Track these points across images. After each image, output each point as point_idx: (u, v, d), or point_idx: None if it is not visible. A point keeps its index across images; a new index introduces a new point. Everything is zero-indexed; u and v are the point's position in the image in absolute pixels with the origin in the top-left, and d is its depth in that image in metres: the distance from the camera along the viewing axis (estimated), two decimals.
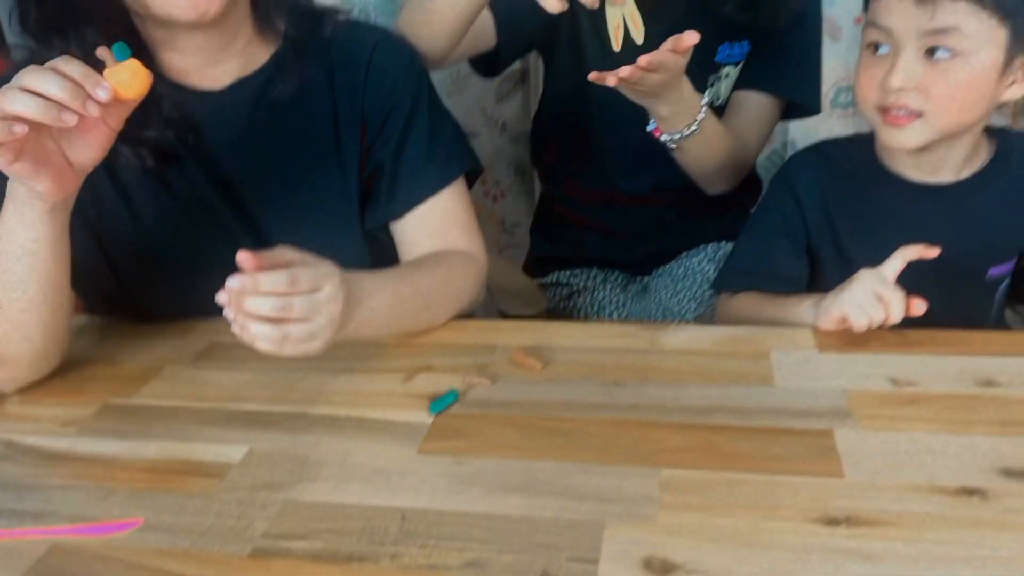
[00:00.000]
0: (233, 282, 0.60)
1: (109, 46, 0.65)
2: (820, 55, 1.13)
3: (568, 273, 1.25)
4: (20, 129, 0.60)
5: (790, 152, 1.57)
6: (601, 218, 1.23)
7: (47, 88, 0.60)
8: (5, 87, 0.61)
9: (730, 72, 1.10)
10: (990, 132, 0.90)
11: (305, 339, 0.64)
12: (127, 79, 0.63)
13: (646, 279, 1.24)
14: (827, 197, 0.93)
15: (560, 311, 1.24)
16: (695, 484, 0.60)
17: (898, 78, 0.80)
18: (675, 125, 0.99)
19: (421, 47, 0.93)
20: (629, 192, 1.19)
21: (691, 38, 0.86)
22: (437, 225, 0.88)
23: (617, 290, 1.22)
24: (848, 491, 0.58)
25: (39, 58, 0.65)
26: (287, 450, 0.67)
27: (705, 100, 0.99)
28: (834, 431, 0.64)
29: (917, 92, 0.80)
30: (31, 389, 0.79)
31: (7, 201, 0.70)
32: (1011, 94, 0.85)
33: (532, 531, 0.56)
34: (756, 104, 1.10)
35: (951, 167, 0.87)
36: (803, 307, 0.84)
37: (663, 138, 1.02)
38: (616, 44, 0.88)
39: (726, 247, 1.23)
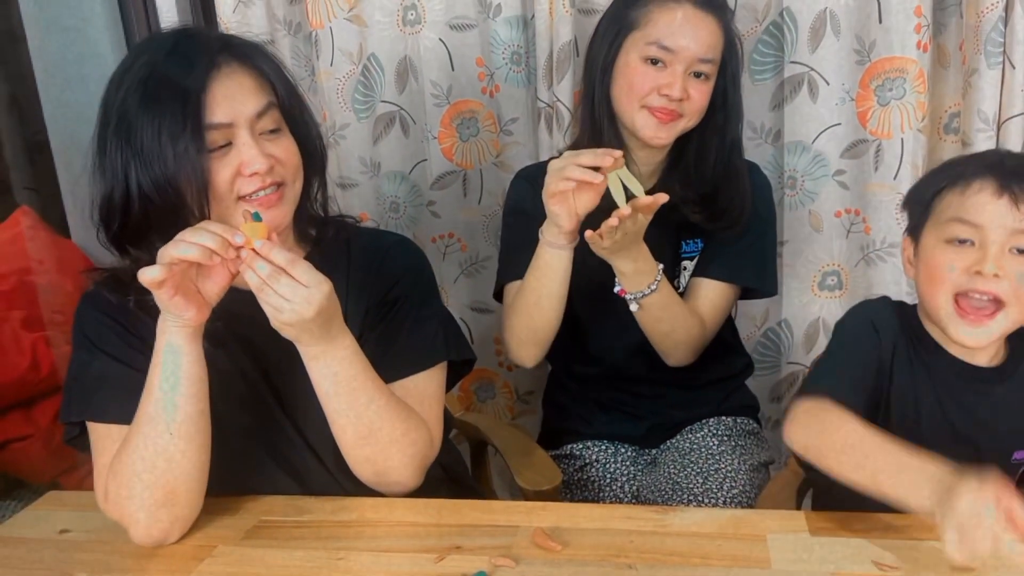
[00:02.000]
0: (259, 244, 0.83)
1: None
2: (774, 246, 1.31)
3: (580, 446, 1.35)
4: (178, 267, 0.83)
5: (779, 330, 1.69)
6: (605, 395, 1.34)
7: (203, 239, 0.82)
8: (172, 241, 0.83)
9: (687, 265, 1.26)
10: None
11: (274, 309, 0.84)
12: (253, 231, 0.85)
13: (654, 452, 1.33)
14: (894, 347, 0.95)
15: (574, 483, 1.32)
16: None
17: (990, 267, 0.85)
18: (637, 284, 1.14)
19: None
20: (628, 372, 1.31)
21: (663, 198, 1.04)
22: (408, 402, 0.98)
23: (628, 463, 1.32)
24: None
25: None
26: None
27: (661, 267, 1.16)
28: None
29: (1004, 281, 0.85)
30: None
31: (158, 345, 0.88)
32: None
33: None
34: (712, 289, 1.25)
35: (989, 352, 0.93)
36: (923, 490, 0.75)
37: (627, 296, 1.16)
38: (621, 203, 1.04)
39: (727, 421, 1.33)
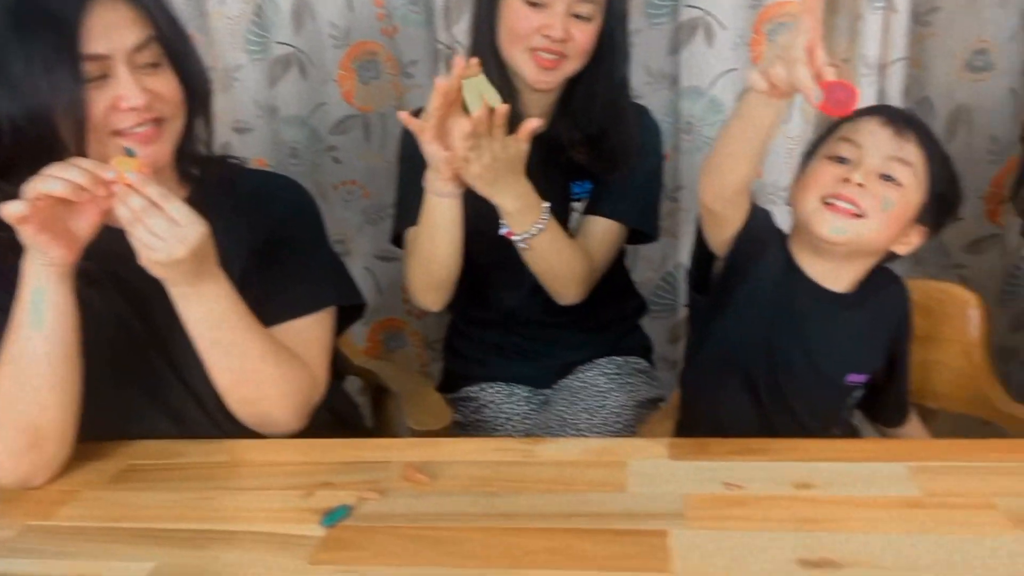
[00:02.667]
0: (133, 177, 0.81)
1: None
2: (660, 189, 1.32)
3: (476, 388, 1.36)
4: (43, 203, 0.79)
5: (677, 273, 1.73)
6: (501, 338, 1.36)
7: (70, 174, 0.79)
8: (37, 175, 0.80)
9: (577, 207, 1.27)
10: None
11: (145, 246, 0.82)
12: (125, 166, 0.82)
13: (548, 392, 1.36)
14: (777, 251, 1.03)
15: (470, 424, 1.34)
16: None
17: (859, 176, 0.93)
18: (523, 224, 1.13)
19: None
20: (523, 314, 1.32)
21: (534, 123, 1.05)
22: (292, 347, 0.98)
23: (522, 403, 1.34)
24: None
25: None
26: (188, 566, 0.74)
27: (547, 205, 1.15)
28: (669, 532, 0.75)
29: (869, 196, 0.93)
30: None
31: (24, 284, 0.85)
32: (900, 249, 1.00)
33: None
34: (599, 226, 1.26)
35: (843, 280, 1.01)
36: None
37: (514, 238, 1.15)
38: (473, 110, 1.01)
39: (618, 360, 1.36)
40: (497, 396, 1.34)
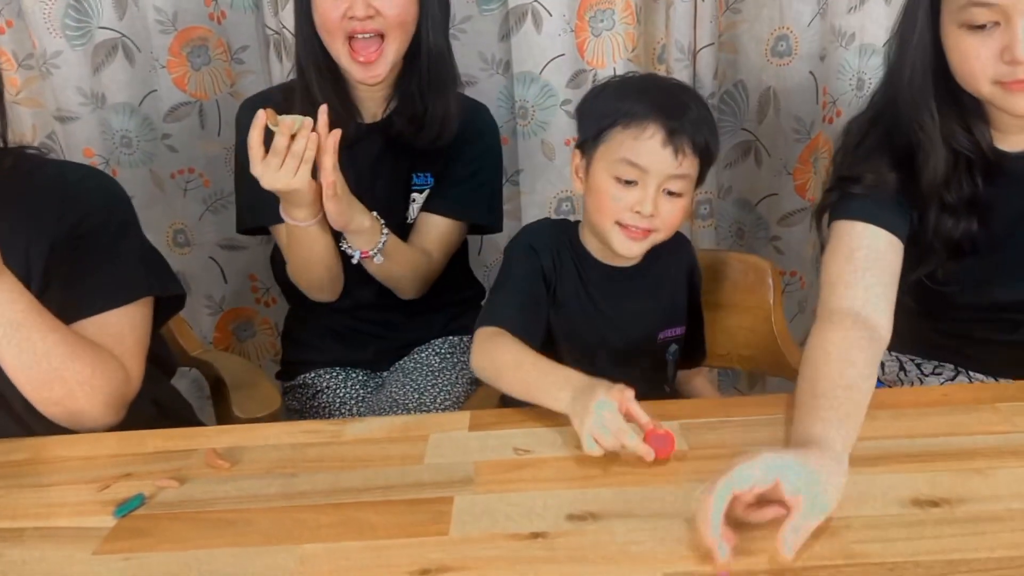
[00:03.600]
0: None
1: None
2: (500, 183, 1.37)
3: (312, 375, 1.37)
4: None
5: None
6: (337, 323, 1.37)
7: None
8: None
9: (417, 198, 1.30)
10: None
11: None
12: None
13: (384, 374, 1.38)
14: (554, 257, 1.08)
15: (307, 411, 1.35)
16: (328, 554, 0.72)
17: (647, 207, 0.98)
18: (369, 242, 1.19)
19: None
20: (358, 300, 1.34)
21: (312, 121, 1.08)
22: (102, 340, 0.97)
23: (358, 387, 1.36)
24: (445, 545, 0.72)
25: None
26: None
27: (386, 232, 1.20)
28: (455, 497, 0.79)
29: (658, 217, 1.00)
30: None
31: None
32: None
33: None
34: (440, 225, 1.30)
35: (636, 260, 1.08)
36: (561, 397, 0.87)
37: (371, 254, 1.20)
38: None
39: (453, 340, 1.40)
40: (333, 381, 1.36)
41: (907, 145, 0.99)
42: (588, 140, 1.04)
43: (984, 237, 1.01)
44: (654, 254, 1.09)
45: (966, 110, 0.97)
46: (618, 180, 1.00)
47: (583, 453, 0.83)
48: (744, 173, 1.76)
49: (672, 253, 1.12)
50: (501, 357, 0.97)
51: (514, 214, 1.73)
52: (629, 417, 0.83)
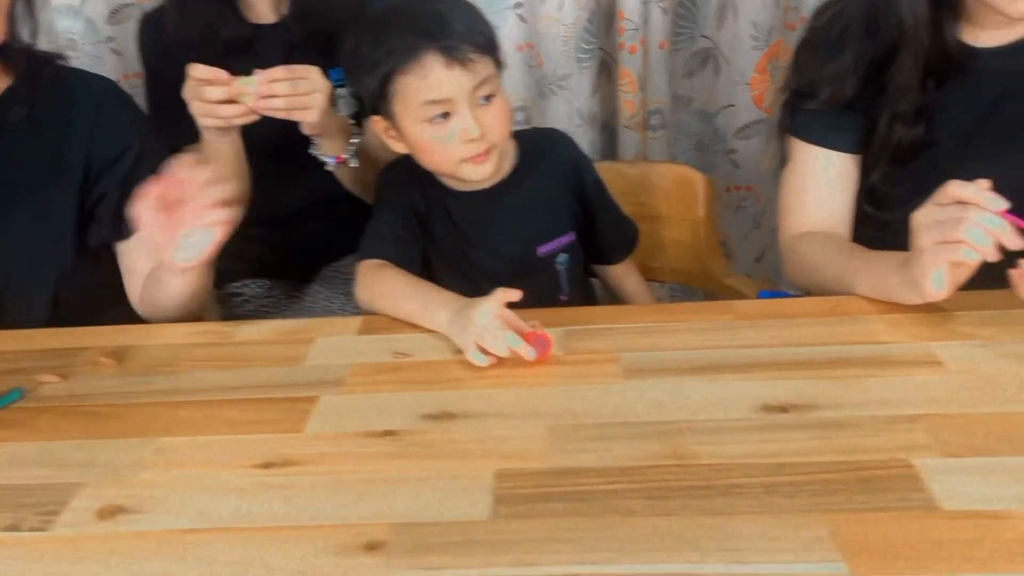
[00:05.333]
0: None
1: None
2: None
3: (241, 284, 1.38)
4: None
5: None
6: (267, 235, 1.37)
7: None
8: None
9: (342, 93, 1.27)
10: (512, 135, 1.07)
11: None
12: None
13: (309, 285, 1.39)
14: (420, 190, 1.07)
15: (236, 318, 1.37)
16: (182, 447, 0.74)
17: (473, 130, 0.94)
18: (337, 151, 1.14)
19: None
20: (290, 211, 1.34)
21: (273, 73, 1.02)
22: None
23: (283, 297, 1.37)
24: (296, 442, 0.73)
25: None
26: None
27: (357, 132, 1.14)
28: (320, 397, 0.80)
29: (487, 131, 0.95)
30: None
31: None
32: None
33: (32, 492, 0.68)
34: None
35: (498, 177, 1.04)
36: (440, 317, 0.88)
37: (347, 156, 1.15)
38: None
39: None
40: (259, 291, 1.36)
41: (876, 45, 0.96)
42: (377, 99, 0.98)
43: (936, 140, 0.98)
44: (525, 163, 1.06)
45: (939, 5, 0.92)
46: (431, 122, 0.95)
47: (462, 357, 0.84)
48: (702, 83, 1.71)
49: (547, 156, 1.08)
50: (381, 287, 0.97)
51: None
52: (508, 322, 0.83)
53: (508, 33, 1.62)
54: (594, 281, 1.25)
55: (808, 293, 1.05)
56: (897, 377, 0.76)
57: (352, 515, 0.64)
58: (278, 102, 1.01)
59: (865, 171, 1.03)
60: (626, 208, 1.22)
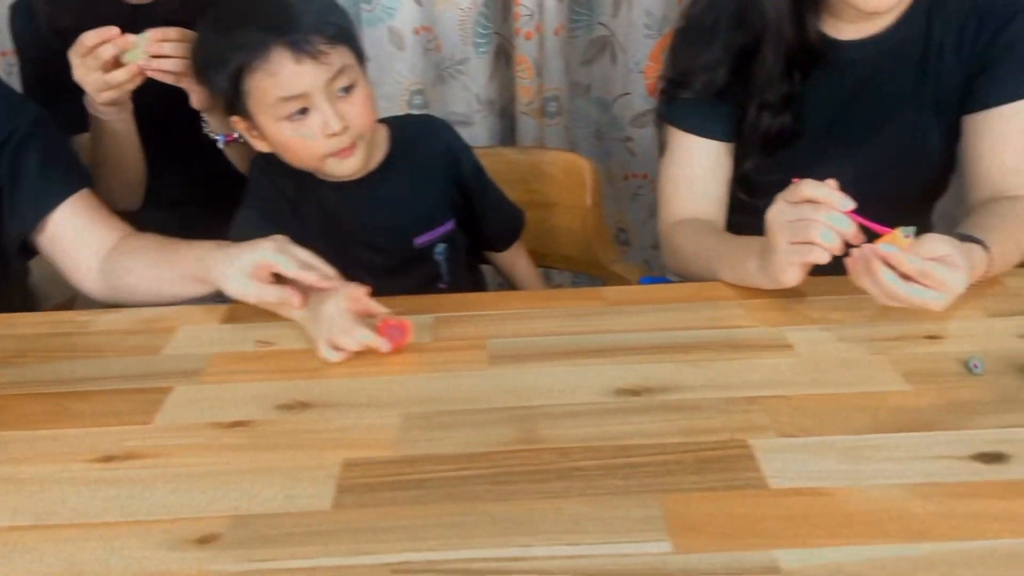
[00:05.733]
0: None
1: None
2: None
3: None
4: None
5: None
6: (151, 217, 1.32)
7: None
8: None
9: None
10: (384, 123, 1.06)
11: None
12: None
13: None
14: (293, 179, 1.03)
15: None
16: (24, 441, 0.71)
17: (333, 123, 0.90)
18: (228, 128, 1.09)
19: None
20: (172, 192, 1.29)
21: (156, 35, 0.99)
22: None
23: None
24: (142, 434, 0.71)
25: None
26: None
27: None
28: (174, 388, 0.78)
29: (350, 124, 0.92)
30: None
31: None
32: None
33: None
34: None
35: (366, 169, 1.01)
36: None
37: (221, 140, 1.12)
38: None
39: None
40: None
41: (744, 36, 0.98)
42: (231, 99, 0.94)
43: (803, 129, 1.02)
44: (397, 152, 1.04)
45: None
46: (289, 119, 0.92)
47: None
48: (600, 71, 1.72)
49: (421, 144, 1.06)
50: None
51: None
52: (368, 313, 0.83)
53: (405, 16, 1.61)
54: (490, 268, 1.25)
55: (686, 280, 1.07)
56: (748, 360, 0.79)
57: (188, 508, 0.62)
58: (168, 63, 0.98)
59: (738, 159, 1.06)
60: (517, 195, 1.23)
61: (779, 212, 0.82)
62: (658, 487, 0.62)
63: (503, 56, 1.67)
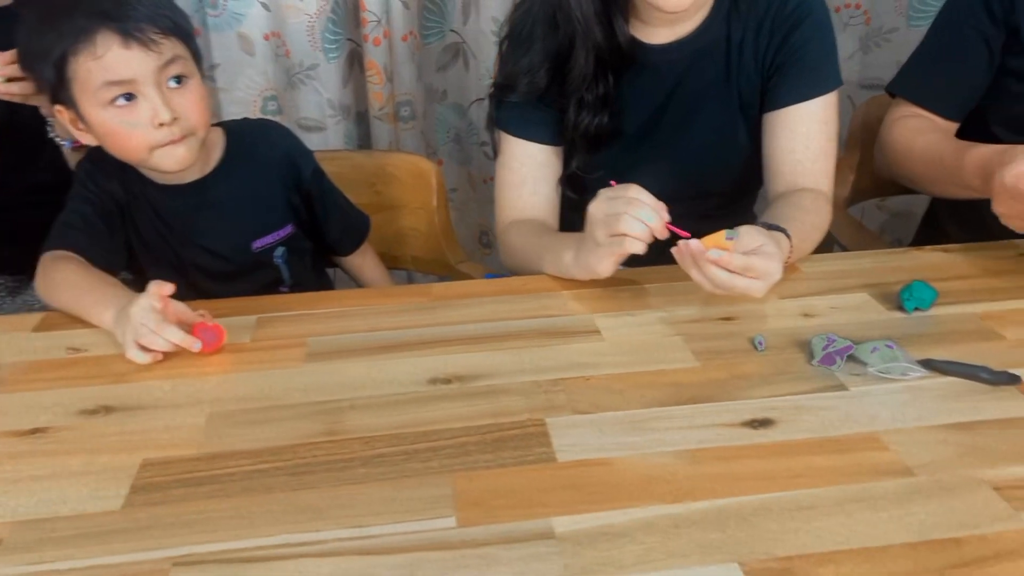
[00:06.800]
0: None
1: None
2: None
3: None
4: None
5: None
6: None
7: None
8: None
9: None
10: (220, 127, 1.06)
11: None
12: None
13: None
14: (122, 183, 1.01)
15: None
16: None
17: (163, 114, 0.89)
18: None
19: None
20: (7, 196, 1.24)
21: None
22: None
23: (3, 292, 1.27)
24: None
25: None
26: None
27: None
28: None
29: (182, 115, 0.91)
30: None
31: None
32: None
33: None
34: None
35: (193, 169, 1.00)
36: (106, 316, 0.85)
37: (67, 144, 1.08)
38: None
39: None
40: None
41: (558, 39, 1.02)
42: (54, 85, 0.91)
43: (623, 129, 1.07)
44: (233, 155, 1.03)
45: (608, 2, 1.00)
46: (114, 106, 0.90)
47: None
48: (455, 77, 1.75)
49: (259, 148, 1.06)
50: (58, 280, 0.92)
51: (213, 113, 1.64)
52: (177, 318, 0.82)
53: (253, 21, 1.59)
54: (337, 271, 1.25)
55: None
56: (558, 346, 0.82)
57: None
58: (16, 86, 0.94)
59: (566, 159, 1.11)
60: (364, 198, 1.24)
61: (597, 208, 0.86)
62: (452, 467, 0.65)
63: (356, 62, 1.68)
